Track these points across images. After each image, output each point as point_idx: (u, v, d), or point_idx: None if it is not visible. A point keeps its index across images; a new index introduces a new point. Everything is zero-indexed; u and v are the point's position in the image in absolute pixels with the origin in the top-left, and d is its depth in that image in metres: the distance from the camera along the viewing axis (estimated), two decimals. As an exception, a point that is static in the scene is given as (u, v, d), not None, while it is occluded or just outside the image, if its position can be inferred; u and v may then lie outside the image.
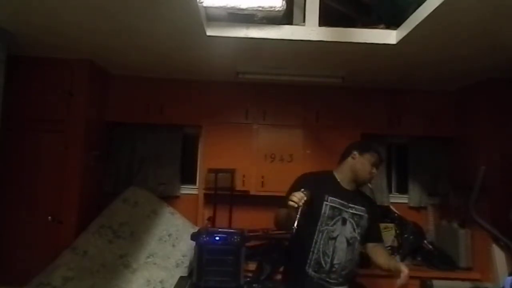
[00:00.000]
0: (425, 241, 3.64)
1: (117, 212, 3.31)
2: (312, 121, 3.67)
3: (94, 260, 2.96)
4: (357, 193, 2.18)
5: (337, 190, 2.11)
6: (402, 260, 3.49)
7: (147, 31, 2.54)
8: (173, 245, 3.25)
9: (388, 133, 3.85)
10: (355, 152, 2.17)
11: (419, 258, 3.58)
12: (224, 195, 3.57)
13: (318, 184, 2.09)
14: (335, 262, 2.02)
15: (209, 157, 3.68)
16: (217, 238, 3.01)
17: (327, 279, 2.02)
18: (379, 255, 2.12)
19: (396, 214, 3.79)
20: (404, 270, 1.88)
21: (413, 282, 3.09)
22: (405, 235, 3.56)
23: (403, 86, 3.69)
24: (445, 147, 3.87)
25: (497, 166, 3.12)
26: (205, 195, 3.65)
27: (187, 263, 3.16)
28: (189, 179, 3.95)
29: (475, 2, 1.94)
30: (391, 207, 3.89)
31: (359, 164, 2.14)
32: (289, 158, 3.60)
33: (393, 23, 2.55)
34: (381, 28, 2.59)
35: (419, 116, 3.71)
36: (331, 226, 2.04)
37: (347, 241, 2.04)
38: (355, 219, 2.08)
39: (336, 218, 2.05)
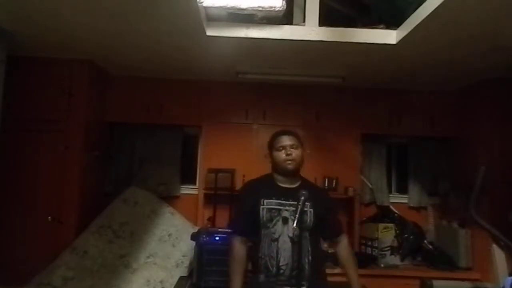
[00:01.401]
0: (425, 241, 3.64)
1: (117, 212, 3.31)
2: (312, 121, 3.67)
3: (94, 260, 2.97)
4: (300, 188, 2.03)
5: (273, 190, 2.05)
6: (402, 260, 3.49)
7: (147, 31, 2.54)
8: (173, 245, 3.25)
9: (388, 133, 3.85)
10: (268, 153, 2.16)
11: (419, 258, 3.58)
12: (224, 195, 3.57)
13: (256, 190, 2.08)
14: (281, 264, 1.94)
15: (209, 157, 3.68)
16: (217, 238, 3.02)
17: (278, 283, 1.94)
18: (346, 265, 2.09)
19: (396, 214, 3.79)
20: None
21: (413, 282, 3.10)
22: (405, 235, 3.57)
23: (403, 86, 3.69)
24: (445, 147, 3.87)
25: (497, 166, 3.12)
26: (205, 195, 3.64)
27: (187, 263, 3.16)
28: (189, 179, 3.95)
29: (474, 2, 1.94)
30: (391, 207, 3.90)
31: (274, 158, 2.10)
32: (289, 158, 3.60)
33: (393, 23, 2.56)
34: (381, 28, 2.59)
35: (419, 116, 3.71)
36: (272, 228, 1.98)
37: (291, 239, 1.94)
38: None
39: (276, 219, 1.98)
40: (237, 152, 3.64)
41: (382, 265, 3.43)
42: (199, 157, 3.90)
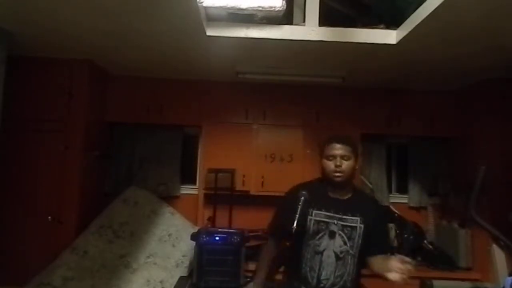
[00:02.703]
0: (425, 241, 3.64)
1: (117, 212, 3.31)
2: (312, 121, 3.67)
3: (94, 260, 2.96)
4: (352, 200, 1.95)
5: (324, 201, 1.93)
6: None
7: (147, 31, 2.54)
8: (173, 245, 3.25)
9: (388, 133, 3.85)
10: (316, 151, 2.04)
11: (419, 258, 3.57)
12: (224, 195, 3.57)
13: (306, 198, 1.90)
14: (322, 277, 1.88)
15: (209, 157, 3.68)
16: (217, 238, 3.02)
17: None
18: (374, 264, 1.93)
19: (396, 214, 3.78)
20: (391, 276, 1.63)
21: (413, 282, 3.10)
22: (405, 235, 3.57)
23: (403, 86, 3.69)
24: (445, 147, 3.87)
25: (497, 166, 3.12)
26: (205, 195, 3.64)
27: (187, 263, 3.16)
28: (189, 179, 3.95)
29: (474, 2, 1.94)
30: (391, 207, 3.89)
31: (323, 166, 1.96)
32: (289, 158, 3.60)
33: (393, 23, 2.56)
34: (381, 28, 2.59)
35: (419, 116, 3.71)
36: (317, 240, 1.91)
37: (336, 255, 1.89)
38: (346, 231, 1.89)
39: (322, 232, 1.90)
40: (237, 152, 3.64)
41: (382, 265, 3.42)
42: (199, 157, 3.90)
